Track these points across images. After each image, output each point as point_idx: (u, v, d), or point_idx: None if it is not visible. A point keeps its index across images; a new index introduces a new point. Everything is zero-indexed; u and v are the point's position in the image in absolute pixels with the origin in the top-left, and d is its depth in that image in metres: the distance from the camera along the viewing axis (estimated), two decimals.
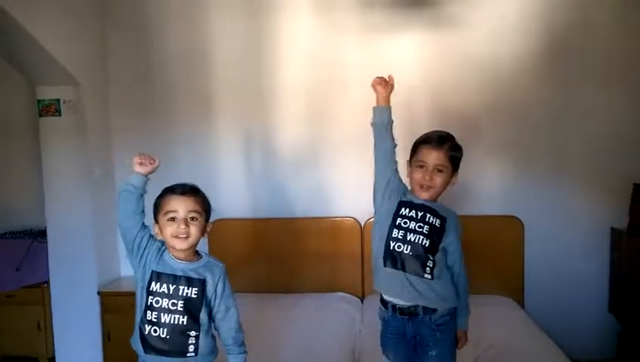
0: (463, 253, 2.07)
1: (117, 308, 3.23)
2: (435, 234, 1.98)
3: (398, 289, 1.99)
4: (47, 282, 3.33)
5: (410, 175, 2.05)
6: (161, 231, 1.81)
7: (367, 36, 3.33)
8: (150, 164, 1.84)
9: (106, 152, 3.47)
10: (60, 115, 3.20)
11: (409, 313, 2.00)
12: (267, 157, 3.46)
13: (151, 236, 1.85)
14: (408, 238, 1.97)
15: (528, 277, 3.28)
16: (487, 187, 3.34)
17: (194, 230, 1.79)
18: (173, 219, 1.79)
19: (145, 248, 1.83)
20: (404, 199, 2.04)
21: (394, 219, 2.01)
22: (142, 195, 1.83)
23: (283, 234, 3.40)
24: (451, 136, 2.05)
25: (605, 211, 3.27)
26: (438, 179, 1.98)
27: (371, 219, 3.06)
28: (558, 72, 3.27)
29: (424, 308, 1.98)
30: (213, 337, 1.88)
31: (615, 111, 3.24)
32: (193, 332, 1.79)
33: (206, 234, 1.88)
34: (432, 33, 3.30)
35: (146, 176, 1.84)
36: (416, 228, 1.97)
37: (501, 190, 3.34)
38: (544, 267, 3.30)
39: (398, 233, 1.98)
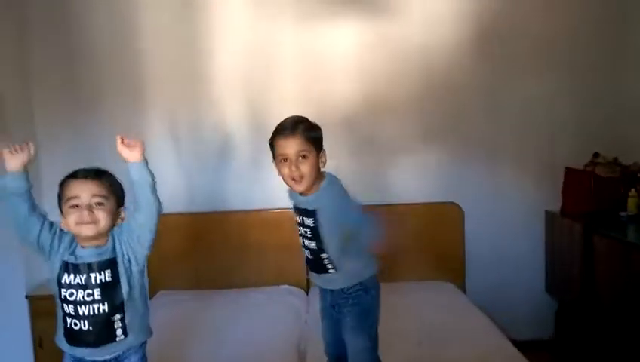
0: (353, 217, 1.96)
1: (48, 312, 2.99)
2: (315, 233, 1.97)
3: (316, 280, 2.11)
4: None
5: (279, 172, 1.97)
6: (66, 221, 1.64)
7: (303, 24, 3.27)
8: (20, 150, 1.63)
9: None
10: None
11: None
12: (203, 149, 3.35)
13: (61, 230, 1.68)
14: (306, 244, 2.03)
15: (469, 261, 3.34)
16: (426, 175, 3.38)
17: (102, 215, 1.63)
18: (76, 205, 1.62)
19: (52, 243, 1.66)
20: (294, 204, 2.05)
21: (298, 229, 2.05)
22: (27, 191, 1.64)
23: (224, 228, 3.31)
24: (303, 118, 1.97)
25: (539, 194, 3.37)
26: (305, 167, 1.89)
27: None
28: (490, 59, 3.33)
29: None
30: (143, 316, 1.76)
31: (547, 95, 3.33)
32: (117, 315, 1.67)
33: (120, 221, 1.72)
34: (368, 21, 3.28)
35: (22, 170, 1.63)
36: (305, 234, 2.00)
37: (440, 177, 3.38)
38: (483, 251, 3.37)
39: (302, 241, 2.04)
